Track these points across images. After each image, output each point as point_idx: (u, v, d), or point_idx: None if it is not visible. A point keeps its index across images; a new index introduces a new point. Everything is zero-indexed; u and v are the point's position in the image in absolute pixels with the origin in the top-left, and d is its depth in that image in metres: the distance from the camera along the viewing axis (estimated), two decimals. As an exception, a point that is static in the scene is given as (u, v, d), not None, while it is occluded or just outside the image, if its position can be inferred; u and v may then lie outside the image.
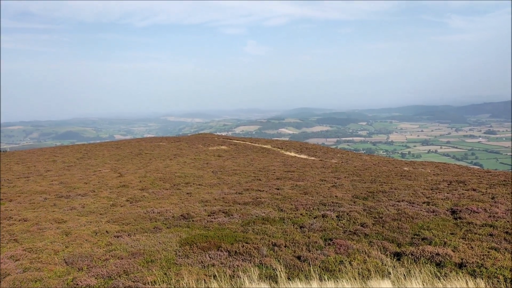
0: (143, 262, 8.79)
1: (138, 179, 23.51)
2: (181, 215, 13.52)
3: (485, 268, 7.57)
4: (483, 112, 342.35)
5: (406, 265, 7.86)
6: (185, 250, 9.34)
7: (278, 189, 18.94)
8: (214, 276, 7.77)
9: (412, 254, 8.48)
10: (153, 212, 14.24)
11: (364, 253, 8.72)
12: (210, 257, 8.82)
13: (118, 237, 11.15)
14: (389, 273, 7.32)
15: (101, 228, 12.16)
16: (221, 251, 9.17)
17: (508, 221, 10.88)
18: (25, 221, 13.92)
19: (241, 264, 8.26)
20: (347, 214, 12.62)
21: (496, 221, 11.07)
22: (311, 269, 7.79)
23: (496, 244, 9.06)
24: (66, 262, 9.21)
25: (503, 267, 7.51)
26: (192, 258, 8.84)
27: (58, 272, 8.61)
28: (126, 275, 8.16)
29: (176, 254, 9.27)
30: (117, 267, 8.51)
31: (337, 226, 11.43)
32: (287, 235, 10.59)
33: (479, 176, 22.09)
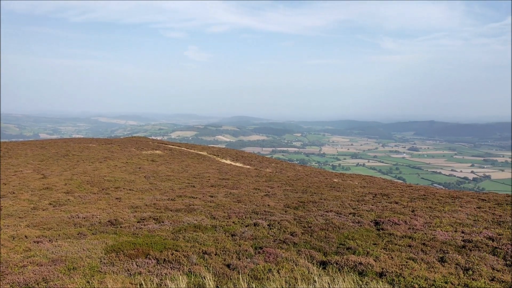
0: (64, 270, 8.32)
1: (64, 182, 22.27)
2: (109, 221, 12.99)
3: (403, 277, 8.05)
4: (408, 129, 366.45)
5: (331, 274, 8.16)
6: (110, 258, 8.97)
7: (212, 196, 18.86)
8: (141, 285, 7.55)
9: (337, 263, 8.81)
10: (78, 217, 13.55)
11: (292, 261, 8.92)
12: (137, 265, 8.56)
13: (38, 242, 10.46)
14: (315, 281, 7.55)
15: (20, 233, 11.35)
16: (150, 258, 8.93)
17: (425, 233, 11.69)
18: None
19: (169, 272, 8.09)
20: (278, 223, 12.87)
21: (415, 233, 11.84)
22: (240, 278, 7.83)
23: (414, 254, 9.68)
24: (-24, 269, 8.47)
25: (419, 277, 8.03)
26: (118, 266, 8.51)
27: (-34, 281, 7.89)
28: (45, 283, 7.67)
29: (101, 261, 8.88)
30: (35, 274, 7.97)
31: (268, 235, 11.60)
32: (218, 243, 10.57)
33: (402, 190, 23.54)
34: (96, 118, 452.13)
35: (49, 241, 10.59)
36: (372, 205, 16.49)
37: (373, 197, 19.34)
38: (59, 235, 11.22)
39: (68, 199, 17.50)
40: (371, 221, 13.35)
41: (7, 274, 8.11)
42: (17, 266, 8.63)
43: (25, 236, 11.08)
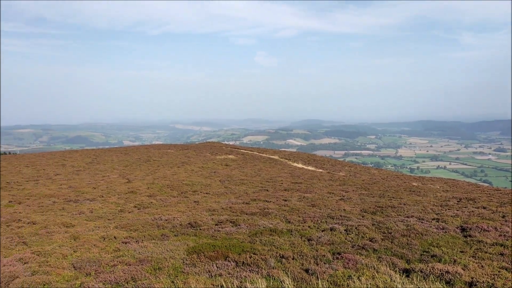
0: (150, 269, 8.79)
1: (146, 186, 23.59)
2: (189, 223, 13.52)
3: (496, 288, 7.46)
4: (493, 129, 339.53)
5: (416, 282, 7.77)
6: (192, 259, 9.32)
7: (285, 200, 18.88)
8: (221, 286, 7.74)
9: (421, 271, 8.38)
10: (161, 219, 14.25)
11: (373, 268, 8.64)
12: (218, 267, 8.80)
13: (126, 243, 11.17)
14: (398, 289, 7.24)
15: (109, 234, 12.19)
16: (229, 261, 9.14)
17: (519, 241, 10.73)
18: (33, 224, 14.01)
19: (248, 275, 8.21)
20: (356, 228, 12.53)
21: (507, 240, 10.92)
22: (319, 283, 7.73)
23: (507, 263, 8.93)
24: (74, 267, 9.24)
25: (514, 288, 7.40)
26: (199, 267, 8.81)
27: (66, 277, 8.63)
28: (134, 281, 8.16)
29: (183, 262, 9.26)
30: (125, 273, 8.51)
31: (346, 240, 11.35)
32: (295, 247, 10.53)
33: (489, 194, 21.84)
34: (173, 125, 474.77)
35: (136, 242, 11.26)
36: (457, 210, 15.48)
37: (458, 201, 18.16)
38: (144, 236, 11.88)
39: (151, 202, 18.49)
40: (456, 227, 12.54)
41: (100, 273, 8.75)
42: (108, 265, 9.27)
43: (114, 237, 11.88)
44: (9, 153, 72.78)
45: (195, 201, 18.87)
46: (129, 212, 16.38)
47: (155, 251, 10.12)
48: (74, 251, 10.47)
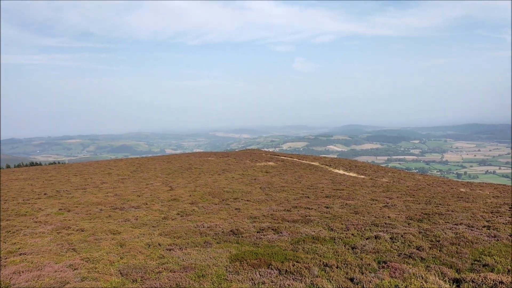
0: (194, 277, 8.89)
1: (188, 193, 24.00)
2: (231, 231, 13.61)
3: (557, 301, 6.99)
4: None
5: (467, 293, 7.43)
6: (235, 266, 9.35)
7: (327, 207, 18.63)
8: (265, 294, 7.72)
9: (473, 281, 7.99)
10: (203, 227, 14.43)
11: (421, 278, 8.33)
12: (260, 275, 8.77)
13: (170, 250, 11.37)
14: (449, 301, 6.94)
15: (154, 241, 12.46)
16: (271, 269, 9.10)
17: None
18: (82, 231, 14.56)
19: (291, 284, 8.14)
20: (402, 236, 12.16)
21: None
22: (365, 292, 7.55)
23: None
24: (121, 273, 9.50)
25: None
26: (242, 275, 8.83)
27: (114, 283, 8.88)
28: (178, 288, 8.28)
29: (226, 270, 9.31)
30: (169, 280, 8.66)
31: (391, 249, 11.03)
32: (338, 255, 10.35)
33: (546, 200, 20.59)
34: (213, 133, 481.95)
35: (180, 249, 11.44)
36: (510, 218, 14.70)
37: (510, 208, 17.24)
38: (187, 243, 12.06)
39: (193, 210, 18.78)
40: (510, 235, 11.89)
41: (145, 280, 8.95)
42: (153, 272, 9.47)
43: (159, 244, 12.13)
44: (59, 162, 76.29)
45: (236, 208, 18.99)
46: (173, 220, 16.69)
47: (198, 258, 10.24)
48: (120, 258, 10.77)
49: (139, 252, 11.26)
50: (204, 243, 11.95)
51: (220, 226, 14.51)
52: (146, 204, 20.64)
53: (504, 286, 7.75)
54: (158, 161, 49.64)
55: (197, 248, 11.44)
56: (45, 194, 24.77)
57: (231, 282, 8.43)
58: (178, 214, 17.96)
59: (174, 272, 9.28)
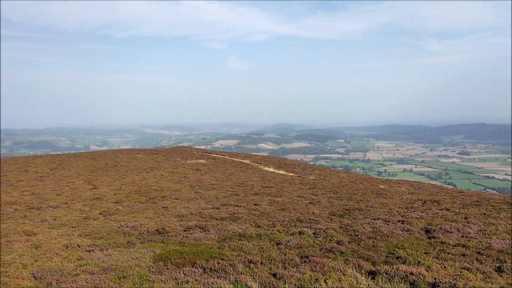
0: (115, 278, 8.55)
1: (113, 192, 23.06)
2: (156, 230, 13.28)
3: (458, 288, 7.66)
4: (457, 133, 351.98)
5: (381, 284, 7.88)
6: (158, 266, 9.14)
7: (256, 204, 18.87)
8: (188, 294, 7.62)
9: (386, 273, 8.51)
10: (127, 226, 13.94)
11: (339, 271, 8.71)
12: (185, 274, 8.65)
13: (90, 251, 10.84)
14: (364, 292, 7.32)
15: (73, 242, 11.81)
16: (196, 267, 9.01)
17: (480, 242, 11.09)
18: (-8, 233, 13.42)
19: (216, 281, 8.12)
20: (324, 231, 12.64)
21: (469, 241, 11.26)
22: (286, 287, 7.73)
23: (469, 264, 9.18)
24: (34, 277, 8.88)
25: (474, 287, 7.61)
26: (165, 275, 8.64)
27: (26, 287, 8.28)
28: (97, 291, 7.91)
29: (149, 270, 9.06)
30: (87, 282, 8.25)
31: (314, 244, 11.42)
32: (263, 252, 10.51)
33: (453, 196, 22.53)
34: (142, 130, 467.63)
35: (100, 250, 10.95)
36: (422, 212, 15.88)
37: (423, 204, 18.63)
38: (109, 244, 11.58)
39: (118, 209, 18.08)
40: (421, 229, 12.84)
41: (61, 282, 8.44)
42: (70, 274, 8.96)
43: (78, 245, 11.52)
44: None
45: (163, 207, 18.59)
46: (94, 220, 15.95)
47: (120, 259, 9.86)
48: (35, 261, 10.07)
49: (56, 254, 10.61)
50: (127, 243, 11.53)
51: (146, 225, 14.11)
52: (66, 203, 19.52)
53: (414, 276, 8.32)
54: (82, 158, 47.15)
55: (119, 248, 11.01)
56: (-51, 193, 22.50)
57: (154, 283, 8.22)
58: (101, 213, 17.20)
59: (93, 274, 8.85)
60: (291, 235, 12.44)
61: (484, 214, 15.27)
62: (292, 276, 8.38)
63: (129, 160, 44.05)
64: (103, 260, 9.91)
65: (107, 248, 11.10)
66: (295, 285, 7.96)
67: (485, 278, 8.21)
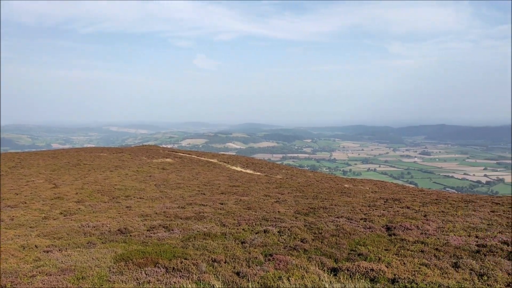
0: (73, 279, 8.29)
1: (75, 191, 22.40)
2: (118, 230, 12.99)
3: (416, 283, 7.88)
4: (419, 133, 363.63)
5: (342, 281, 8.02)
6: (119, 267, 8.93)
7: (222, 203, 18.80)
8: (150, 294, 7.49)
9: (348, 270, 8.66)
10: (88, 226, 13.57)
11: (302, 268, 8.79)
12: (146, 274, 8.50)
13: (48, 252, 10.48)
14: (326, 288, 7.43)
15: (30, 243, 11.38)
16: (159, 267, 8.87)
17: (438, 238, 11.47)
18: None
19: (178, 281, 8.02)
20: (289, 229, 12.74)
21: (428, 238, 11.63)
22: (250, 285, 7.73)
23: (427, 260, 9.48)
24: (-14, 280, 8.49)
25: (432, 283, 7.85)
26: (126, 275, 8.46)
27: (-23, 291, 7.91)
28: (54, 293, 7.65)
29: (110, 270, 8.85)
30: (44, 284, 7.96)
31: (278, 242, 11.49)
32: (228, 250, 10.48)
33: (413, 194, 23.24)
34: (107, 128, 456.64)
35: (59, 250, 10.60)
36: (384, 210, 16.28)
37: (385, 202, 19.11)
38: (69, 244, 11.23)
39: (79, 208, 17.58)
40: (382, 227, 13.15)
41: (16, 285, 8.12)
42: (26, 276, 8.63)
43: (35, 245, 11.11)
44: None
45: (127, 207, 18.21)
46: (54, 219, 15.44)
47: (79, 260, 9.58)
48: (-12, 263, 9.64)
49: (12, 255, 10.20)
50: (88, 243, 11.22)
51: (108, 225, 13.78)
52: (25, 203, 18.80)
53: (374, 273, 8.52)
54: (43, 156, 45.53)
55: (79, 249, 10.70)
56: None
57: (114, 283, 8.03)
58: (61, 213, 16.67)
59: (50, 275, 8.55)
60: (256, 233, 12.46)
61: (442, 212, 15.81)
62: (255, 274, 8.39)
63: (92, 158, 42.91)
64: (62, 261, 9.60)
65: (66, 249, 10.77)
66: (258, 283, 7.97)
67: (442, 274, 8.49)
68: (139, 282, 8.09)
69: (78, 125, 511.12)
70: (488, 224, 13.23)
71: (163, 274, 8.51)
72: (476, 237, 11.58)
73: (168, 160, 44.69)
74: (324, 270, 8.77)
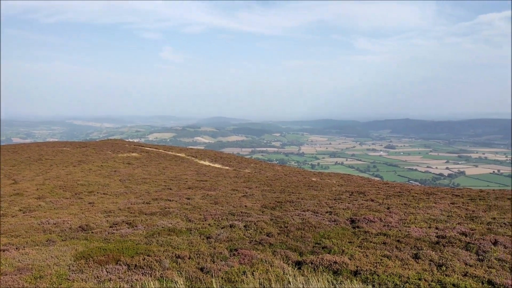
0: (30, 278, 7.98)
1: (35, 187, 21.62)
2: (80, 227, 12.62)
3: (377, 275, 8.03)
4: (384, 128, 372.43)
5: (306, 274, 8.07)
6: (80, 265, 8.66)
7: (188, 198, 18.61)
8: (110, 292, 7.30)
9: (312, 263, 8.74)
10: (48, 223, 13.12)
11: (267, 262, 8.80)
12: (107, 272, 8.28)
13: (4, 251, 10.04)
14: (289, 282, 7.45)
15: (-15, 242, 10.88)
16: (120, 264, 8.66)
17: (400, 230, 11.75)
18: None
19: (140, 278, 7.85)
20: (255, 224, 12.74)
21: (390, 230, 11.89)
22: (213, 281, 7.67)
23: (389, 252, 9.69)
24: None
25: (393, 274, 8.02)
26: (87, 273, 8.22)
27: None
28: (9, 294, 7.34)
29: (69, 269, 8.57)
30: (-2, 285, 7.62)
31: (244, 236, 11.46)
32: (192, 246, 10.36)
33: (378, 187, 23.76)
34: (70, 121, 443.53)
35: (16, 249, 10.19)
36: (349, 203, 16.55)
37: (350, 195, 19.43)
38: (27, 242, 10.81)
39: (39, 205, 16.98)
40: (347, 220, 13.36)
41: (-32, 286, 7.73)
42: (-21, 276, 8.24)
43: (-9, 244, 10.63)
44: None
45: (90, 203, 17.74)
46: (12, 217, 14.84)
47: (37, 258, 9.23)
48: None
49: (-36, 255, 9.71)
50: (47, 241, 10.84)
51: (69, 222, 13.36)
52: (-20, 200, 17.98)
53: (337, 265, 8.62)
54: (2, 151, 43.71)
55: (37, 247, 10.31)
56: None
57: (73, 282, 7.77)
58: (20, 210, 16.05)
59: (6, 275, 8.20)
60: (222, 228, 12.39)
61: (405, 204, 16.23)
62: (220, 270, 8.34)
63: (54, 153, 41.55)
64: (19, 260, 9.22)
65: (24, 247, 10.35)
66: (222, 278, 7.92)
67: (403, 265, 8.70)
68: (99, 280, 7.87)
69: (40, 118, 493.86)
70: (448, 216, 13.68)
71: (125, 272, 8.32)
72: (436, 228, 11.95)
73: (134, 154, 43.86)
74: (288, 264, 8.81)
